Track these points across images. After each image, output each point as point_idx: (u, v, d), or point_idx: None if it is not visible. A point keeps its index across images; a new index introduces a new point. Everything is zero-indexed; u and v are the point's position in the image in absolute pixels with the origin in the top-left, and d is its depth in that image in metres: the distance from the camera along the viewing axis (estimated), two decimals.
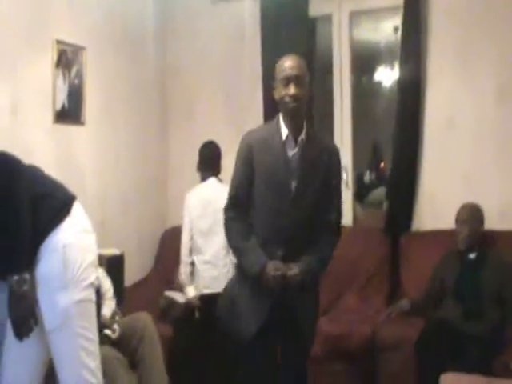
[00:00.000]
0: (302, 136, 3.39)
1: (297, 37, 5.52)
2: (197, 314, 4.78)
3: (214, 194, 4.74)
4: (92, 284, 2.95)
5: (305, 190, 3.37)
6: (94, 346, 2.92)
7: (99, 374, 2.96)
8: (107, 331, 4.12)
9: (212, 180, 4.86)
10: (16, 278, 2.70)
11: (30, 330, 2.78)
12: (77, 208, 2.99)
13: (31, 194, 2.81)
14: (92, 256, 2.97)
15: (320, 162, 3.41)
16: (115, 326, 4.16)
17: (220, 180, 4.86)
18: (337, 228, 3.53)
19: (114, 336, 4.13)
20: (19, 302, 2.73)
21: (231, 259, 4.57)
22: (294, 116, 3.36)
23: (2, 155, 2.85)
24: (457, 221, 4.62)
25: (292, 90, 3.30)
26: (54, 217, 2.87)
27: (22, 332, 2.77)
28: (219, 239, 4.60)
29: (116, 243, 5.04)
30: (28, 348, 2.89)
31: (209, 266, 4.74)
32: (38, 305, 2.84)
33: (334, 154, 3.51)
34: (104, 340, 4.00)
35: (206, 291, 4.70)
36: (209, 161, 4.91)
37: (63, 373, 2.87)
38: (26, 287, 2.73)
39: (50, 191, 2.94)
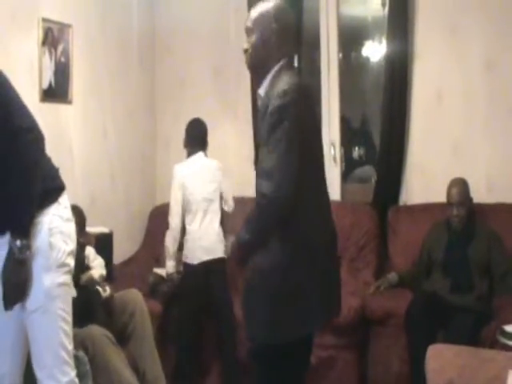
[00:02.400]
0: (260, 91, 3.00)
1: None
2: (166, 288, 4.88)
3: (204, 165, 4.86)
4: (71, 271, 2.98)
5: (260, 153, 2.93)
6: (70, 330, 2.96)
7: (72, 357, 2.98)
8: (99, 288, 4.16)
9: (200, 154, 4.89)
10: (19, 242, 2.71)
11: (20, 298, 2.78)
12: (64, 198, 3.01)
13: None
14: (73, 245, 3.01)
15: (263, 115, 2.88)
16: (107, 287, 4.20)
17: (206, 155, 4.93)
18: (260, 195, 2.81)
19: (105, 294, 4.16)
20: (18, 268, 2.74)
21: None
22: (249, 70, 3.12)
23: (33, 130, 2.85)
24: (452, 204, 4.56)
25: (243, 45, 3.08)
26: (47, 197, 2.89)
27: (11, 299, 2.77)
28: (213, 208, 4.81)
29: (105, 221, 5.06)
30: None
31: (204, 234, 4.79)
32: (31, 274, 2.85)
33: (273, 98, 2.82)
34: (95, 297, 4.05)
35: (205, 258, 4.75)
36: (196, 138, 4.93)
37: (43, 354, 2.88)
38: (28, 253, 2.75)
39: (49, 172, 2.97)
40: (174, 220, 4.82)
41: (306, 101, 2.92)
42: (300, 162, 2.76)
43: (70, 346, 2.94)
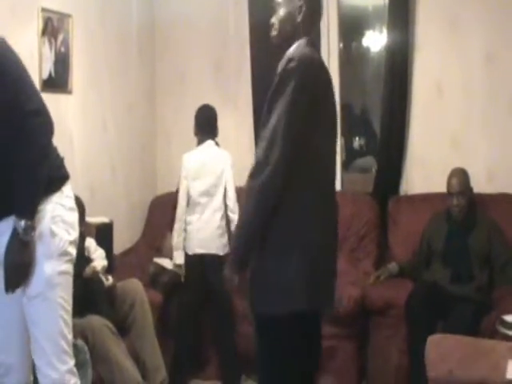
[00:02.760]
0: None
1: None
2: (182, 279, 4.84)
3: (211, 155, 4.81)
4: (72, 260, 2.97)
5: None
6: (70, 319, 2.95)
7: (71, 347, 2.96)
8: (102, 276, 4.16)
9: (209, 142, 4.86)
10: (24, 223, 2.69)
11: (22, 281, 2.77)
12: (67, 188, 3.00)
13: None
14: (75, 234, 2.99)
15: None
16: (109, 277, 4.21)
17: (217, 143, 4.88)
18: (254, 169, 2.74)
19: (108, 283, 4.17)
20: (22, 249, 2.73)
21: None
22: (274, 45, 3.03)
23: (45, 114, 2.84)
24: (452, 193, 4.55)
25: (271, 19, 3.01)
26: (50, 184, 2.88)
27: (13, 281, 2.76)
28: (216, 201, 4.77)
29: (105, 211, 5.06)
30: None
31: (203, 226, 4.77)
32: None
33: (285, 62, 2.78)
34: (98, 287, 4.06)
35: (199, 251, 4.75)
36: (205, 124, 4.90)
37: (42, 342, 2.86)
38: (32, 235, 2.73)
39: (54, 162, 2.96)
40: (179, 210, 4.84)
41: (322, 75, 2.85)
42: (304, 133, 2.72)
43: (70, 335, 2.93)
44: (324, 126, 2.83)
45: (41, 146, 2.77)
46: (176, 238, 4.83)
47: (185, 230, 4.82)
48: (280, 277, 2.80)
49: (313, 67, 2.78)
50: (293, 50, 2.85)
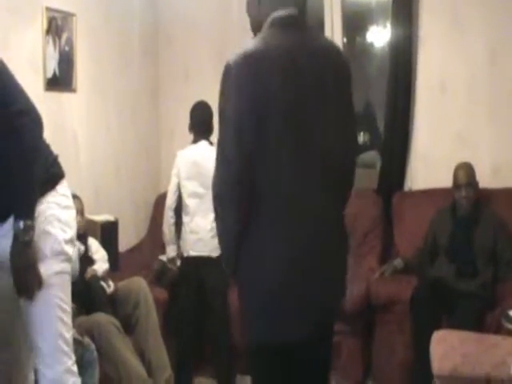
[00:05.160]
0: None
1: None
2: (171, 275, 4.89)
3: (204, 156, 4.69)
4: (70, 258, 2.96)
5: None
6: (68, 318, 2.94)
7: (71, 346, 2.95)
8: (103, 283, 4.17)
9: (203, 143, 4.82)
10: (23, 224, 2.69)
11: (34, 282, 2.75)
12: (62, 186, 3.00)
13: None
14: (71, 232, 2.98)
15: None
16: (110, 282, 4.22)
17: (211, 143, 4.81)
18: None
19: (109, 290, 4.18)
20: (25, 250, 2.72)
21: None
22: None
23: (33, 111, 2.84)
24: (460, 185, 4.56)
25: None
26: (43, 186, 2.88)
27: (24, 285, 2.75)
28: (207, 202, 4.64)
29: (110, 209, 5.08)
30: None
31: (195, 229, 4.75)
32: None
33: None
34: (99, 292, 4.07)
35: (192, 253, 4.74)
36: (200, 123, 4.87)
37: (39, 342, 2.86)
38: (32, 234, 2.72)
39: (46, 161, 2.96)
40: (166, 204, 4.87)
41: (269, 71, 2.48)
42: (254, 152, 2.43)
43: (68, 334, 2.92)
44: (278, 130, 2.45)
45: (30, 145, 2.75)
46: (167, 234, 4.88)
47: (180, 231, 4.85)
48: (244, 304, 2.63)
49: (238, 74, 2.56)
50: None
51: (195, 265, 4.74)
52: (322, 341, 2.75)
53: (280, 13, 2.59)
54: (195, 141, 4.87)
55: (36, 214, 2.79)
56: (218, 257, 4.44)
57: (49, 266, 2.83)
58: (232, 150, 2.44)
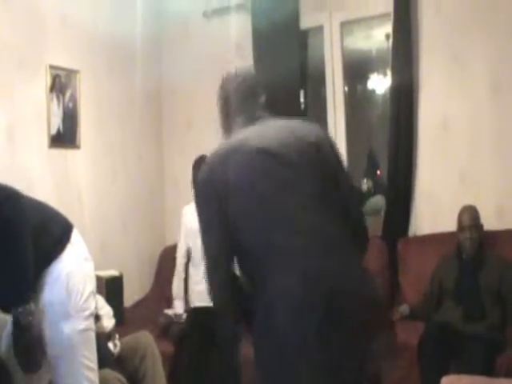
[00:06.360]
0: None
1: (289, 49, 5.57)
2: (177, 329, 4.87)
3: None
4: (92, 313, 2.95)
5: None
6: (94, 376, 2.92)
7: None
8: (110, 345, 4.15)
9: None
10: (21, 309, 2.68)
11: (38, 364, 2.77)
12: (75, 236, 3.00)
13: (33, 223, 2.81)
14: (92, 285, 2.97)
15: None
16: (116, 341, 4.20)
17: None
18: None
19: (116, 351, 4.16)
20: (23, 334, 2.71)
21: None
22: None
23: (1, 189, 2.83)
24: (464, 227, 4.56)
25: None
26: (56, 244, 2.87)
27: (25, 365, 2.77)
28: None
29: (115, 263, 5.08)
30: None
31: (201, 279, 4.74)
32: (43, 334, 2.84)
33: None
34: (106, 355, 4.04)
35: (199, 304, 4.74)
36: None
37: None
38: (30, 318, 2.71)
39: (50, 219, 2.95)
40: (178, 260, 4.90)
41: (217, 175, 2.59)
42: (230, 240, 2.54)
43: None
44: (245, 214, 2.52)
45: (8, 220, 2.74)
46: (175, 288, 4.91)
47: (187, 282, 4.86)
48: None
49: (202, 181, 2.68)
50: None
51: (203, 315, 4.72)
52: None
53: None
54: None
55: (56, 273, 2.81)
56: None
57: (72, 325, 2.83)
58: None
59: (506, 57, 5.04)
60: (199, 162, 4.98)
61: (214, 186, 2.57)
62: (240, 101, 2.92)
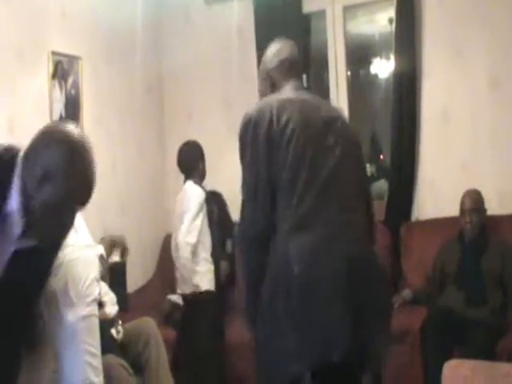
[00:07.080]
0: None
1: (291, 34, 5.52)
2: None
3: (183, 198, 4.78)
4: (95, 299, 2.93)
5: None
6: (97, 362, 2.89)
7: None
8: (113, 331, 4.17)
9: (188, 182, 4.82)
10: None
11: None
12: (79, 221, 2.99)
13: None
14: (95, 271, 2.96)
15: None
16: (119, 328, 4.21)
17: (196, 182, 4.81)
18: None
19: (119, 337, 4.17)
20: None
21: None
22: None
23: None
24: (464, 210, 4.59)
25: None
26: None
27: None
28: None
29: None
30: None
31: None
32: (45, 320, 2.84)
33: None
34: (110, 341, 4.05)
35: (187, 291, 4.75)
36: (180, 165, 4.91)
37: None
38: None
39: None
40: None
41: (268, 123, 2.73)
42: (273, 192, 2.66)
43: (98, 379, 2.86)
44: (296, 163, 2.65)
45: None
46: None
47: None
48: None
49: (252, 122, 2.80)
50: None
51: (193, 302, 4.75)
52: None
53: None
54: (184, 181, 4.88)
55: (60, 259, 2.73)
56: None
57: (75, 312, 2.78)
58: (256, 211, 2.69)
59: (506, 49, 5.08)
60: (181, 150, 4.97)
61: (265, 128, 2.71)
62: (288, 70, 3.06)
